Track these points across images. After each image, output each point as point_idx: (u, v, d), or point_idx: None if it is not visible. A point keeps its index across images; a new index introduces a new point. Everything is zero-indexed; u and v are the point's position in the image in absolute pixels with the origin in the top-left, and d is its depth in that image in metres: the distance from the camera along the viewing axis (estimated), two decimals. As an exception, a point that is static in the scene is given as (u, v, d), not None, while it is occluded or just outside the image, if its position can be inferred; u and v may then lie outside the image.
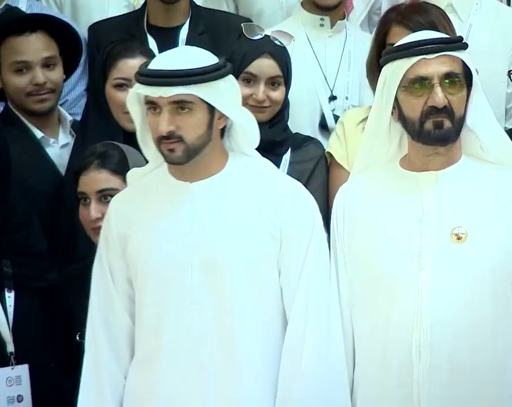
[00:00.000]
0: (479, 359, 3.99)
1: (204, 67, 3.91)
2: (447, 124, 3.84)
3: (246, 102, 4.66)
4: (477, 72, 4.24)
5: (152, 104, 3.82)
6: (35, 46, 5.42)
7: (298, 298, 3.97)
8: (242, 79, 4.91)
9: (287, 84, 5.18)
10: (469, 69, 3.99)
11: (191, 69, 3.90)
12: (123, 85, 5.16)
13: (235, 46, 5.30)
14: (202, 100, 3.78)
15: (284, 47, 5.27)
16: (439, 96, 3.86)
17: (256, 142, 4.03)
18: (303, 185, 4.26)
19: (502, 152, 4.10)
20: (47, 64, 5.39)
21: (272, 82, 5.02)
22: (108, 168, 4.72)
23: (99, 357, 4.12)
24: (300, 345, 3.94)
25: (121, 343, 4.12)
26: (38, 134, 5.47)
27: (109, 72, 5.35)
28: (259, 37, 5.31)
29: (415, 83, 3.96)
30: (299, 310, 3.98)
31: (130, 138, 4.77)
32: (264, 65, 5.15)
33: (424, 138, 3.89)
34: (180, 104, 3.78)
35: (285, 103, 5.25)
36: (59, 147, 5.54)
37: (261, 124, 4.33)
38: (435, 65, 3.94)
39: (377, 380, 4.05)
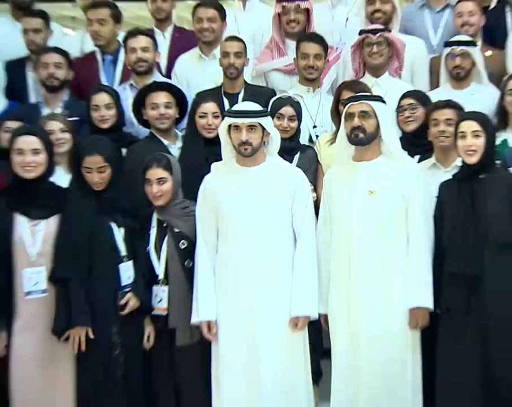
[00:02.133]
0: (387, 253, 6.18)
1: (260, 110, 6.31)
2: (360, 135, 6.10)
3: (277, 128, 6.57)
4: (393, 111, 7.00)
5: (236, 127, 6.08)
6: (162, 96, 7.05)
7: (302, 229, 6.27)
8: (275, 117, 6.95)
9: (299, 120, 7.25)
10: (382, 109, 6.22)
11: (255, 110, 6.27)
12: (203, 116, 7.01)
13: (272, 101, 7.42)
14: (260, 125, 6.14)
15: (298, 101, 7.34)
16: (354, 122, 6.05)
17: (278, 149, 6.44)
18: (304, 172, 6.63)
19: (398, 154, 6.30)
20: (167, 106, 7.10)
21: (290, 118, 7.06)
22: (162, 166, 6.40)
23: (203, 257, 6.27)
24: (302, 248, 6.22)
25: (211, 250, 6.30)
26: (165, 142, 7.21)
27: (197, 109, 7.11)
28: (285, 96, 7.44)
29: (348, 116, 6.23)
30: (302, 234, 6.25)
31: (208, 142, 7.10)
32: (287, 110, 7.17)
33: (351, 142, 6.19)
34: (251, 127, 6.10)
35: (298, 129, 7.32)
36: (176, 149, 7.28)
37: (284, 139, 6.73)
38: (356, 107, 6.19)
39: (334, 272, 6.34)
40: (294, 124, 7.01)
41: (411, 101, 6.99)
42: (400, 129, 6.90)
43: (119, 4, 8.14)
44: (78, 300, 6.01)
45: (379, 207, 6.17)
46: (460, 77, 7.32)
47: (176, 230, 6.45)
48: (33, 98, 7.83)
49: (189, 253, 6.37)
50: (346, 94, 6.80)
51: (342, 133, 6.38)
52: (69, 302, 5.99)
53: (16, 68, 7.88)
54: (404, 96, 7.12)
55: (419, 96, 7.07)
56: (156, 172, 6.39)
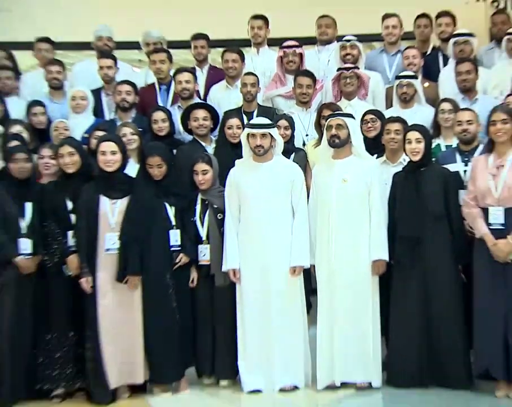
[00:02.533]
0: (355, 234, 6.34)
1: (269, 123, 6.47)
2: (336, 141, 6.28)
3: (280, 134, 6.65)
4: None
5: (253, 135, 6.29)
6: (201, 112, 7.14)
7: (298, 205, 6.41)
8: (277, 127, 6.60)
9: (293, 129, 7.22)
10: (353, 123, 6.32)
11: (266, 123, 6.42)
12: (230, 128, 7.08)
13: (275, 116, 7.40)
14: (269, 134, 6.32)
15: (291, 116, 7.41)
16: (332, 131, 6.24)
17: (281, 150, 6.55)
18: (300, 166, 6.70)
19: (363, 153, 6.45)
20: (204, 119, 7.17)
21: (285, 128, 7.04)
22: (206, 162, 6.51)
23: (230, 225, 6.41)
24: (298, 219, 6.35)
25: (235, 220, 6.42)
26: (203, 144, 7.20)
27: (225, 122, 7.19)
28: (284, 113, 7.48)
29: (328, 127, 6.40)
30: (298, 209, 6.38)
31: (233, 145, 7.10)
32: (283, 122, 7.16)
33: (330, 146, 6.35)
34: (263, 135, 6.30)
35: (292, 136, 7.27)
36: (211, 149, 7.25)
37: (284, 143, 6.64)
38: (333, 121, 6.32)
39: (320, 238, 6.42)
40: (288, 132, 7.03)
41: (372, 116, 7.04)
42: (363, 135, 6.80)
43: (171, 50, 8.21)
44: (133, 256, 6.18)
45: (350, 190, 6.35)
46: (406, 100, 7.40)
47: (215, 206, 6.59)
48: (106, 116, 7.85)
49: (223, 222, 6.53)
50: (326, 112, 6.93)
51: (324, 139, 6.50)
52: (127, 257, 6.18)
53: (95, 95, 7.87)
54: (367, 112, 7.14)
55: (378, 113, 7.14)
56: (201, 166, 6.53)
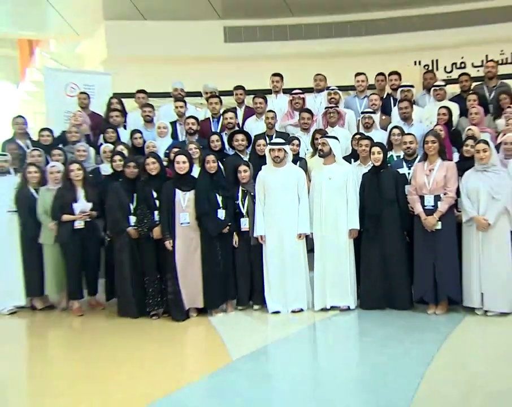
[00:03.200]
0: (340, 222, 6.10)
1: (284, 142, 6.27)
2: (321, 153, 6.13)
3: (292, 150, 6.50)
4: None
5: (273, 150, 6.11)
6: (241, 135, 6.97)
7: (302, 195, 6.17)
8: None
9: (299, 146, 6.87)
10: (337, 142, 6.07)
11: (282, 142, 6.24)
12: (259, 145, 6.86)
13: (289, 138, 6.92)
14: (284, 149, 6.12)
15: (298, 138, 6.97)
16: (319, 147, 6.14)
17: (291, 160, 6.27)
18: (303, 170, 6.41)
19: (341, 161, 6.20)
20: (242, 140, 6.96)
21: (296, 145, 6.76)
22: (246, 165, 6.35)
23: (258, 207, 6.17)
24: (302, 204, 6.13)
25: (262, 203, 6.16)
26: (242, 156, 6.87)
27: (255, 142, 6.95)
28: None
29: (317, 145, 6.30)
30: (302, 198, 6.14)
31: (260, 157, 6.66)
32: (296, 142, 6.84)
33: (318, 156, 6.22)
34: (279, 150, 6.11)
35: (299, 151, 6.89)
36: (246, 159, 6.83)
37: (293, 155, 6.42)
38: (322, 140, 6.16)
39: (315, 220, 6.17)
40: (297, 148, 6.81)
41: (356, 137, 6.79)
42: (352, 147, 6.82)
43: (222, 97, 8.10)
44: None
45: (333, 185, 6.19)
46: (368, 127, 7.05)
47: (252, 194, 6.42)
48: (179, 138, 7.76)
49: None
50: (317, 135, 6.77)
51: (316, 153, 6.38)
52: (207, 222, 6.16)
53: (172, 125, 7.78)
54: (355, 135, 6.93)
55: (361, 135, 6.78)
56: (243, 167, 6.40)
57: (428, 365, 4.42)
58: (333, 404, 3.97)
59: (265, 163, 6.39)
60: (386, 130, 7.03)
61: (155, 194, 6.21)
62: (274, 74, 8.18)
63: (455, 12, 9.40)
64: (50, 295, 6.79)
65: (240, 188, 6.41)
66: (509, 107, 6.94)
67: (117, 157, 6.63)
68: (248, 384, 4.26)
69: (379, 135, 6.90)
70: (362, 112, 7.37)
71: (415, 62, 9.54)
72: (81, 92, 8.11)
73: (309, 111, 7.42)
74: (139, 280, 6.27)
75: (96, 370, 4.81)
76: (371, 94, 7.78)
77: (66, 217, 6.47)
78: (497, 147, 6.13)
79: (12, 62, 14.69)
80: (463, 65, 9.34)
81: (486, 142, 5.75)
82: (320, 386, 4.42)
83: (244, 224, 6.37)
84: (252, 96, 7.83)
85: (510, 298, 5.70)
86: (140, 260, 6.28)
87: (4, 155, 6.87)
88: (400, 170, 6.24)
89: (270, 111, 7.42)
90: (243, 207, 6.40)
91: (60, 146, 7.30)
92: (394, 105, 7.54)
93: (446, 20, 9.36)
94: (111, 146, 7.07)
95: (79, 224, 6.50)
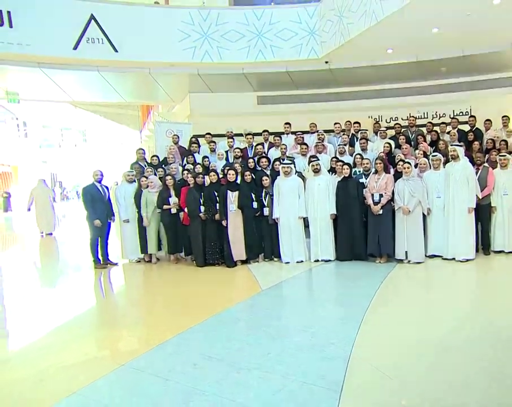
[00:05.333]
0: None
1: (290, 162, 6.07)
2: (315, 170, 5.83)
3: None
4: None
5: (283, 167, 5.86)
6: (264, 159, 6.52)
7: (300, 195, 5.88)
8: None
9: (295, 166, 6.28)
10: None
11: (289, 162, 5.99)
12: (276, 165, 6.44)
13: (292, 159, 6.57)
14: (290, 167, 5.89)
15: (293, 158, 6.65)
16: (314, 167, 5.78)
17: (294, 173, 5.99)
18: (302, 179, 6.09)
19: (326, 174, 5.98)
20: (264, 162, 6.43)
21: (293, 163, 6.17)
22: (267, 176, 6.01)
23: (275, 201, 5.84)
24: (301, 200, 5.85)
25: (277, 199, 5.84)
26: (266, 171, 6.27)
27: (274, 163, 6.58)
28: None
29: (312, 165, 5.84)
30: (300, 196, 5.84)
31: (276, 172, 6.22)
32: (300, 163, 6.59)
33: (313, 171, 5.83)
34: (288, 166, 5.88)
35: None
36: (268, 173, 6.33)
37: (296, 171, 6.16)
38: (314, 163, 5.83)
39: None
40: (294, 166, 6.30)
41: (334, 159, 6.52)
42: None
43: (255, 136, 7.85)
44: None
45: (321, 188, 5.99)
46: (342, 154, 6.91)
47: (270, 194, 6.18)
48: (230, 160, 7.35)
49: (272, 200, 6.11)
50: (312, 159, 6.39)
51: (311, 169, 6.13)
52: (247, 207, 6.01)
53: (226, 153, 7.47)
54: (333, 158, 6.64)
55: (336, 158, 6.55)
56: (266, 177, 6.21)
57: (377, 289, 4.56)
58: (318, 308, 4.19)
59: (279, 175, 6.23)
60: (352, 156, 6.82)
61: (215, 193, 6.11)
62: (286, 123, 8.03)
63: (392, 89, 9.54)
64: (150, 251, 6.58)
65: (264, 190, 6.20)
66: (421, 143, 6.93)
67: (185, 172, 6.44)
68: (271, 302, 4.38)
69: (348, 159, 6.74)
70: (338, 145, 7.22)
71: (369, 116, 9.38)
72: (174, 135, 7.98)
73: (306, 144, 7.23)
74: (206, 244, 6.14)
75: (183, 293, 4.88)
76: (342, 135, 7.64)
77: (166, 206, 6.40)
78: (416, 166, 6.07)
79: (137, 118, 15.13)
80: (396, 119, 9.25)
81: (409, 163, 5.74)
82: (313, 301, 4.62)
83: (266, 211, 6.19)
84: (273, 135, 7.63)
85: (421, 252, 5.71)
86: (206, 233, 6.12)
87: (132, 171, 6.89)
88: (361, 180, 6.10)
89: (283, 144, 7.26)
90: (265, 201, 6.21)
91: (163, 166, 7.27)
92: (357, 141, 7.38)
93: (386, 93, 9.48)
94: (191, 166, 6.90)
95: (173, 211, 6.42)
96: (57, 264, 7.41)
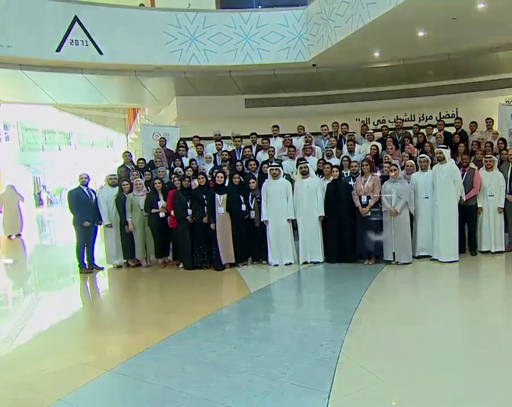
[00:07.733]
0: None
1: (278, 164, 6.01)
2: (304, 172, 5.77)
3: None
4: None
5: (271, 169, 5.77)
6: (253, 162, 6.56)
7: (288, 196, 5.81)
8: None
9: (282, 168, 6.22)
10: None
11: (277, 165, 5.96)
12: (264, 167, 6.43)
13: (281, 161, 6.60)
14: (278, 169, 5.86)
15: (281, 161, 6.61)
16: (302, 169, 5.73)
17: (282, 175, 5.93)
18: (290, 182, 6.04)
19: (314, 176, 5.94)
20: (253, 164, 6.53)
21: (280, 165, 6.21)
22: (254, 179, 5.97)
23: (264, 204, 5.80)
24: (289, 202, 5.80)
25: (265, 201, 5.80)
26: (253, 173, 6.36)
27: (262, 165, 6.54)
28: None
29: (300, 168, 5.83)
30: (288, 198, 5.77)
31: (264, 174, 6.20)
32: (287, 165, 6.60)
33: (301, 174, 5.76)
34: (276, 169, 5.82)
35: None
36: (256, 175, 6.36)
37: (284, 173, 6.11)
38: (302, 165, 5.82)
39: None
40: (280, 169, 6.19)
41: (321, 162, 6.53)
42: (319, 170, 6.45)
43: (243, 138, 7.79)
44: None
45: (310, 190, 5.95)
46: (329, 156, 6.87)
47: (257, 196, 6.15)
48: (218, 163, 7.28)
49: (259, 203, 6.10)
50: (300, 161, 6.37)
51: (299, 171, 6.10)
52: (235, 212, 5.95)
53: (214, 155, 7.42)
54: (320, 160, 6.66)
55: (324, 161, 6.56)
56: (253, 180, 6.17)
57: (365, 290, 4.57)
58: (307, 310, 4.24)
59: (267, 178, 6.20)
60: (339, 158, 6.81)
61: (203, 196, 6.07)
62: (274, 126, 7.98)
63: (379, 91, 9.63)
64: (138, 257, 6.52)
65: (250, 193, 6.15)
66: (408, 145, 6.91)
67: (174, 176, 6.51)
68: (260, 305, 4.39)
69: (335, 161, 6.72)
70: (326, 147, 7.19)
71: (356, 119, 9.42)
72: (161, 138, 7.91)
73: (294, 147, 7.21)
74: (194, 247, 6.09)
75: (171, 297, 4.92)
76: (330, 137, 7.63)
77: (154, 210, 6.34)
78: (402, 167, 6.11)
79: (123, 121, 15.17)
80: (383, 121, 9.27)
81: (396, 165, 5.77)
82: (301, 303, 4.64)
83: (252, 214, 6.17)
84: (261, 138, 7.59)
85: (409, 253, 5.71)
86: (194, 236, 6.06)
87: (114, 174, 6.75)
88: (349, 182, 6.11)
89: (271, 147, 7.20)
90: (252, 204, 6.18)
91: (149, 169, 7.19)
92: (344, 143, 7.35)
93: (373, 96, 9.58)
94: (180, 169, 6.88)
95: (162, 214, 6.34)
96: (38, 268, 7.41)
